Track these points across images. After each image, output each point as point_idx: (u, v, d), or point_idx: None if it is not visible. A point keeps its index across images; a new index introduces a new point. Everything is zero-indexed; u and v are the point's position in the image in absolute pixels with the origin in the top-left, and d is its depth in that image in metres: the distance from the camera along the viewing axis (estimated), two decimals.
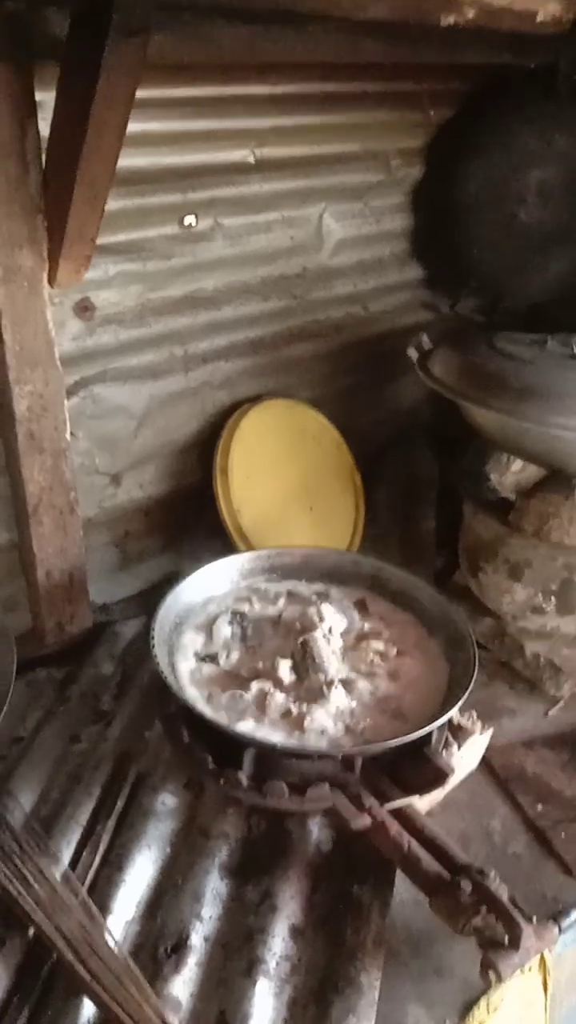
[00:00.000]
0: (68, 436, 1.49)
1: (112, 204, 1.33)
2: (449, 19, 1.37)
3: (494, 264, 2.00)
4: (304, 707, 1.21)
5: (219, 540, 1.77)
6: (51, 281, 1.36)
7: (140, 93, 1.18)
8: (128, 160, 1.35)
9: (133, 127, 1.23)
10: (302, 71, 1.63)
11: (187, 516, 1.87)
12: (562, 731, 1.52)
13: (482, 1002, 1.07)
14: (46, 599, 1.59)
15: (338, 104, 1.75)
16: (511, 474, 1.82)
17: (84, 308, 1.55)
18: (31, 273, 1.33)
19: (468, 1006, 1.07)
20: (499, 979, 1.02)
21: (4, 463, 1.49)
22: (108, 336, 1.61)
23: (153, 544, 1.86)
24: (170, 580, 1.43)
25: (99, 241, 1.36)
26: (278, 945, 1.10)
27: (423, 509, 1.99)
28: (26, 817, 1.25)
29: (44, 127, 1.24)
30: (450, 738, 1.29)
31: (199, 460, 1.84)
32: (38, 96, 1.23)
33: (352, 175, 1.87)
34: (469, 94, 1.96)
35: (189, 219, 1.63)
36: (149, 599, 1.75)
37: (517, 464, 1.81)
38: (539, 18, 1.55)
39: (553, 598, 1.59)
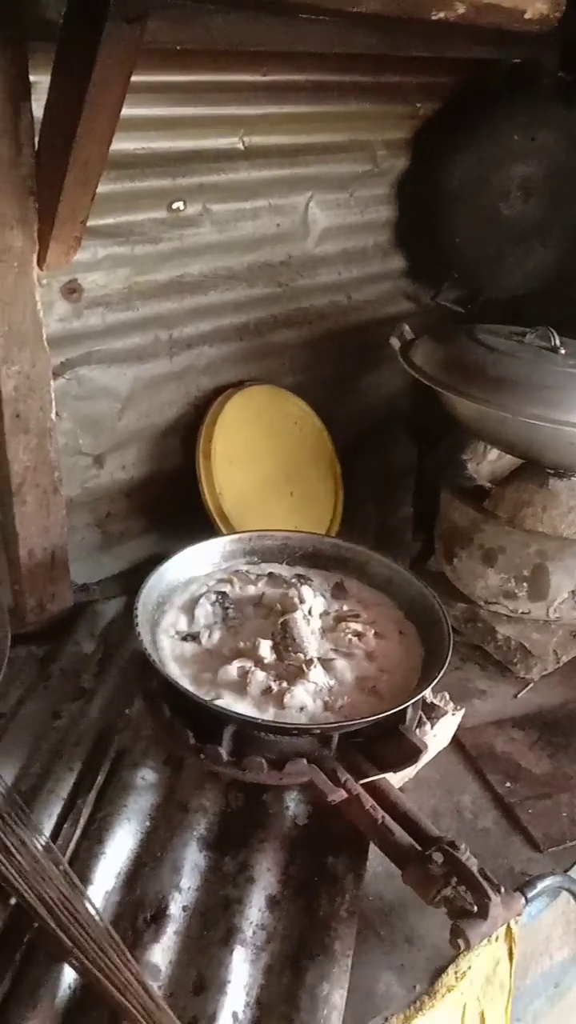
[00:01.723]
0: (53, 417, 1.50)
1: (102, 187, 1.34)
2: (440, 14, 1.40)
3: (475, 256, 2.03)
4: (284, 684, 1.24)
5: (200, 523, 1.79)
6: (40, 263, 1.37)
7: (133, 78, 1.19)
8: (119, 144, 1.36)
9: (125, 111, 1.24)
10: (292, 60, 1.64)
11: (168, 498, 1.89)
12: (531, 712, 1.57)
13: (450, 969, 1.11)
14: (28, 578, 1.60)
15: (327, 94, 1.77)
16: (487, 463, 1.87)
17: (72, 290, 1.56)
18: (21, 254, 1.33)
19: (437, 973, 1.11)
20: (467, 947, 1.06)
21: None
22: (95, 318, 1.62)
23: (134, 525, 1.88)
24: (150, 561, 1.45)
25: (88, 224, 1.37)
26: (255, 914, 1.13)
27: (401, 496, 2.02)
28: (8, 791, 1.26)
29: (38, 108, 1.25)
30: (424, 717, 1.32)
31: (182, 443, 1.86)
32: (32, 78, 1.23)
33: (339, 165, 1.89)
34: (456, 88, 1.98)
35: (177, 204, 1.64)
36: (129, 580, 1.77)
37: (493, 453, 1.86)
38: (527, 15, 1.59)
39: (525, 584, 1.63)
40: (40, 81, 1.24)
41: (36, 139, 1.28)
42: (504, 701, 1.60)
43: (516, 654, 1.65)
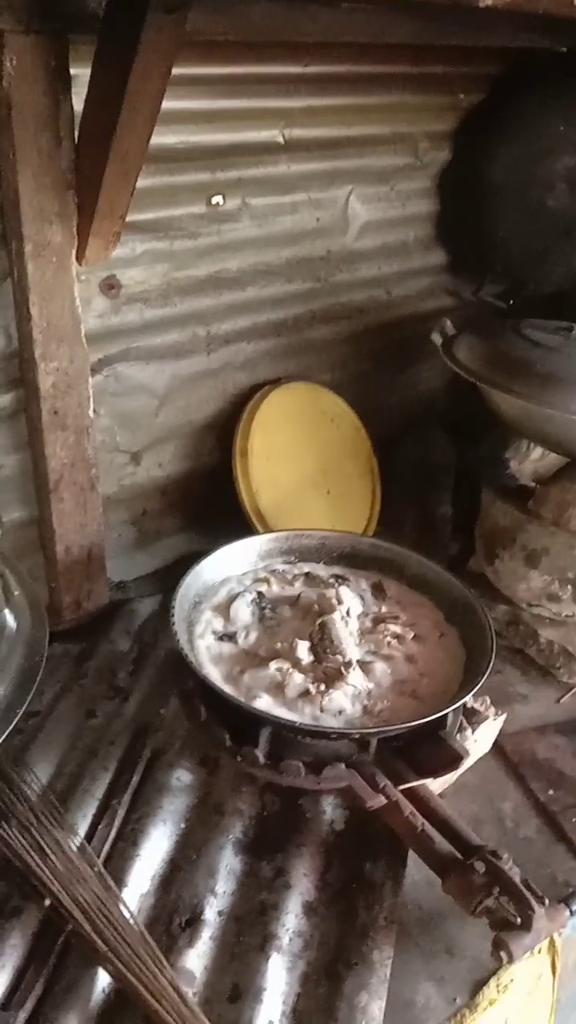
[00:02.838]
0: (91, 413, 1.49)
1: (141, 181, 1.33)
2: (488, 1, 1.36)
3: (519, 250, 1.99)
4: (322, 687, 1.21)
5: (236, 521, 1.77)
6: (79, 258, 1.36)
7: (173, 70, 1.18)
8: (158, 137, 1.34)
9: (165, 104, 1.22)
10: (334, 51, 1.62)
11: (205, 496, 1.87)
12: (574, 718, 1.53)
13: (492, 981, 1.09)
14: (64, 575, 1.60)
15: (368, 86, 1.74)
16: (530, 462, 1.83)
17: (110, 286, 1.55)
18: (60, 249, 1.33)
19: (478, 985, 1.08)
20: (510, 959, 1.03)
21: (27, 439, 1.50)
22: (133, 315, 1.61)
23: (170, 523, 1.87)
24: (187, 559, 1.44)
25: (127, 218, 1.36)
26: (291, 921, 1.12)
27: (439, 495, 1.99)
28: (43, 790, 1.26)
29: (78, 102, 1.24)
30: (464, 722, 1.30)
31: (219, 441, 1.85)
32: (73, 70, 1.22)
33: (380, 158, 1.86)
34: (499, 78, 1.94)
35: (217, 198, 1.62)
36: (165, 578, 1.76)
37: (537, 452, 1.81)
38: None
39: (570, 586, 1.59)
40: (80, 74, 1.22)
41: (76, 133, 1.27)
42: (546, 706, 1.56)
43: (559, 658, 1.61)
